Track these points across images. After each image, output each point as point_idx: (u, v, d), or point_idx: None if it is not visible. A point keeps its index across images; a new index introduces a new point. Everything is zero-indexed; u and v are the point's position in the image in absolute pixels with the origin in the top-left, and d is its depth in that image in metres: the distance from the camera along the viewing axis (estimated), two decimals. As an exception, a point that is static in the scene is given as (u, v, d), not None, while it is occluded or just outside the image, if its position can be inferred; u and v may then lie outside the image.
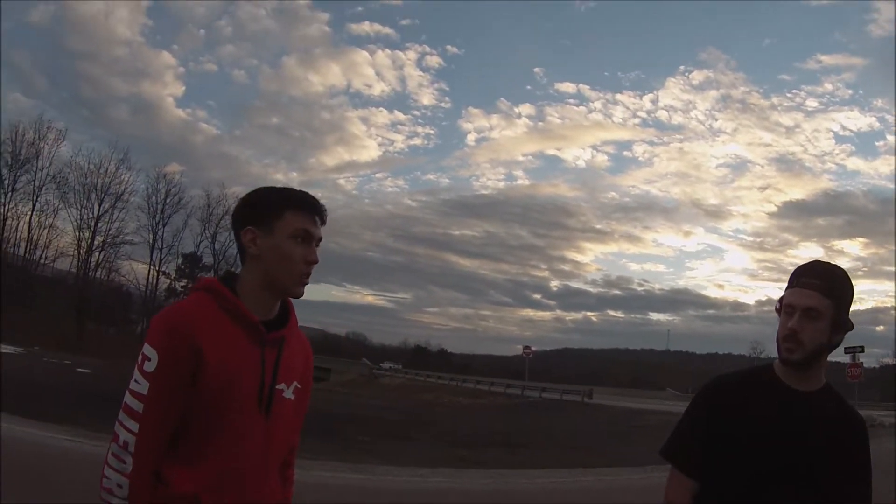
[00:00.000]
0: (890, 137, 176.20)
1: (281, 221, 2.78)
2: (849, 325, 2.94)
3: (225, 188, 77.75)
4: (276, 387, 2.76)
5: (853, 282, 3.00)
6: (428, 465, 16.13)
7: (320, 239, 2.89)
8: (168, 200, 72.89)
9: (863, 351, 46.13)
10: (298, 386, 2.91)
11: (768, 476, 2.87)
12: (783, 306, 2.97)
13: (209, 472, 2.60)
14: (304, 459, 13.72)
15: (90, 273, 71.29)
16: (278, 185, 2.91)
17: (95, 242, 70.22)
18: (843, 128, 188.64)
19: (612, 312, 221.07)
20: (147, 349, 2.58)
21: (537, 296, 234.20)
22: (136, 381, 2.57)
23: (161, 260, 72.87)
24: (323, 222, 2.90)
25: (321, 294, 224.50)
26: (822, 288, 2.88)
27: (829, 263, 3.02)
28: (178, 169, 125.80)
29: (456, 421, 32.65)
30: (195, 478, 2.58)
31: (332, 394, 53.01)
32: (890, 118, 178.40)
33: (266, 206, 2.83)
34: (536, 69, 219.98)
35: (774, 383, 2.99)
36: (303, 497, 10.22)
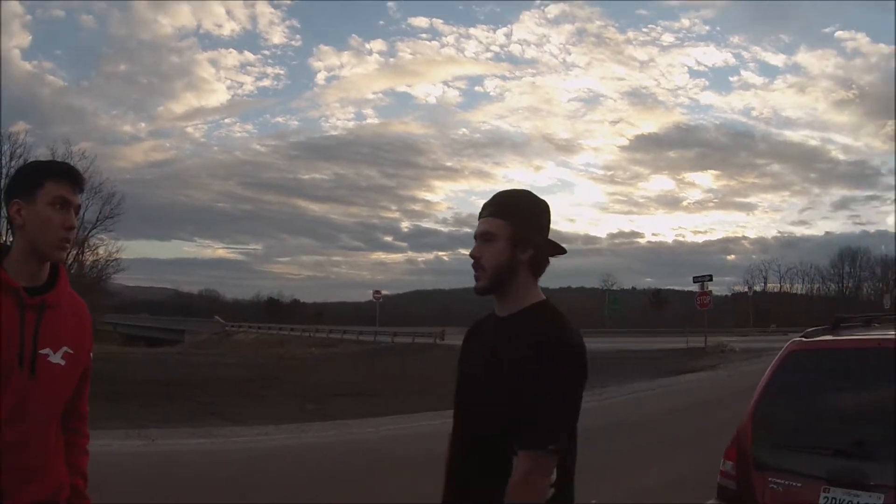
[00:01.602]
0: (745, 73, 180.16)
1: (42, 190, 2.93)
2: (536, 242, 3.03)
3: (71, 145, 74.54)
4: (41, 351, 2.89)
5: (546, 201, 3.12)
6: (274, 421, 16.26)
7: (79, 206, 3.03)
8: (13, 163, 69.63)
9: (711, 279, 47.83)
10: (69, 351, 3.00)
11: (458, 402, 3.14)
12: None
13: None
14: (151, 429, 13.87)
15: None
16: (44, 159, 3.09)
17: (-60, 218, 67.33)
18: (699, 62, 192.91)
19: (463, 251, 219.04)
20: None
21: (388, 238, 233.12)
22: None
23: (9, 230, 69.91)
24: (81, 190, 3.04)
25: (172, 251, 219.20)
26: (493, 212, 3.02)
27: (509, 189, 3.19)
28: (24, 128, 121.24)
29: (307, 373, 32.72)
30: None
31: (185, 356, 52.52)
32: (746, 55, 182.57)
33: (28, 178, 3.01)
34: (390, 3, 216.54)
35: (493, 313, 3.14)
36: (147, 468, 10.38)
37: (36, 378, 2.86)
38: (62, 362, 2.96)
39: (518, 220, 3.01)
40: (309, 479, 10.76)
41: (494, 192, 3.17)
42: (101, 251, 68.76)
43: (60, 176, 2.97)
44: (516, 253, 2.99)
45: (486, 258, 2.99)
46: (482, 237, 3.02)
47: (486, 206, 3.09)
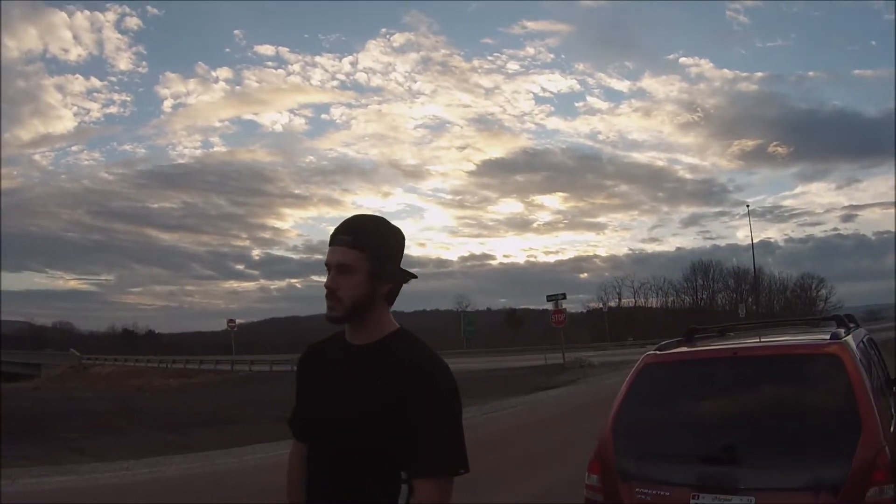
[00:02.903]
0: (591, 98, 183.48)
1: None
2: (395, 274, 2.98)
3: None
4: None
5: (400, 229, 3.05)
6: (135, 455, 15.99)
7: None
8: None
9: (565, 298, 48.61)
10: None
11: (314, 431, 3.03)
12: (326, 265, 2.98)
13: None
14: (12, 468, 13.50)
15: None
16: None
17: None
18: (544, 89, 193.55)
19: (315, 277, 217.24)
20: None
21: (240, 266, 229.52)
22: None
23: None
24: None
25: (24, 283, 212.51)
26: (351, 242, 2.90)
27: (364, 216, 3.06)
28: None
29: (165, 405, 32.16)
30: None
31: (42, 391, 51.41)
32: (591, 81, 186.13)
33: None
34: (236, 31, 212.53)
35: (341, 341, 3.05)
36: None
37: None
38: None
39: (377, 253, 2.94)
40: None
41: (346, 217, 3.07)
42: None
43: None
44: (376, 287, 2.93)
45: (344, 290, 2.91)
46: (339, 269, 2.92)
47: (340, 232, 2.98)
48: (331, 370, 3.02)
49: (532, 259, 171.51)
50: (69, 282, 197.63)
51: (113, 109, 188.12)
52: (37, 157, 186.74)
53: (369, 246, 2.91)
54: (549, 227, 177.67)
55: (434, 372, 2.86)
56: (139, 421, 24.04)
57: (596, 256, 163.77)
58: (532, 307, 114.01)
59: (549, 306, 48.89)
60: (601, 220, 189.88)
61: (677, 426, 5.60)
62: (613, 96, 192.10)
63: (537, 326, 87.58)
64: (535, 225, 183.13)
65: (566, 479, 9.26)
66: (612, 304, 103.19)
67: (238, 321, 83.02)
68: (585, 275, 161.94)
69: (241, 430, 20.37)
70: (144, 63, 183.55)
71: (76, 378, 71.72)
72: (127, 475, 13.80)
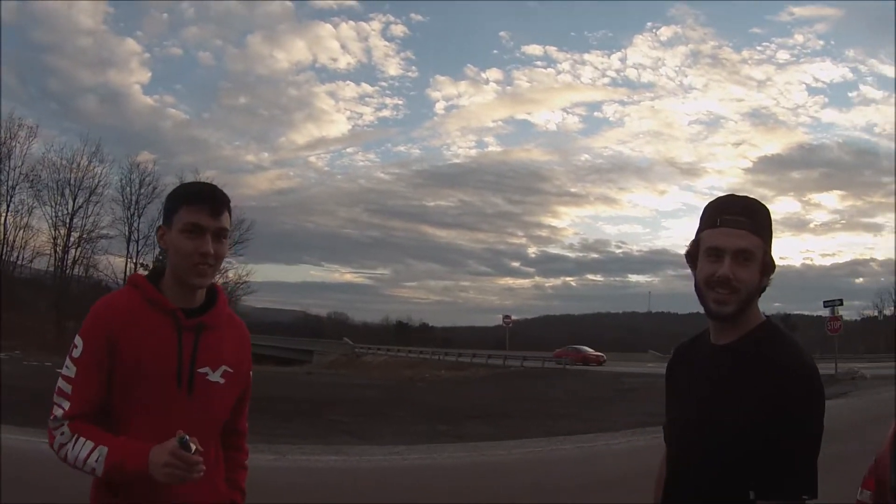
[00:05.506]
0: (864, 87, 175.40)
1: (176, 216, 2.89)
2: (774, 266, 2.65)
3: (198, 173, 76.67)
4: (199, 370, 2.89)
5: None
6: (406, 441, 16.23)
7: (221, 230, 2.92)
8: (142, 190, 71.62)
9: (842, 304, 46.66)
10: (229, 370, 3.01)
11: (676, 434, 2.82)
12: (704, 250, 2.64)
13: None
14: (284, 444, 13.97)
15: (68, 271, 70.60)
16: (196, 181, 2.95)
17: (71, 239, 69.52)
18: (816, 79, 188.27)
19: (591, 276, 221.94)
20: (77, 338, 2.83)
21: (516, 263, 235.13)
22: (66, 366, 2.82)
23: (138, 252, 71.66)
24: (220, 213, 2.92)
25: (300, 275, 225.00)
26: (751, 225, 2.56)
27: (750, 198, 2.67)
28: (151, 157, 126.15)
29: (437, 395, 32.77)
30: None
31: (314, 376, 53.29)
32: (863, 68, 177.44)
33: (168, 204, 2.97)
34: (502, 33, 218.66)
35: (705, 341, 2.77)
36: (278, 483, 10.28)
37: (194, 396, 2.88)
38: (221, 381, 2.99)
39: (770, 242, 2.65)
40: (441, 501, 10.54)
41: (727, 195, 2.69)
42: (230, 274, 70.81)
43: (193, 201, 2.92)
44: (763, 279, 2.62)
45: (742, 280, 2.55)
46: (737, 254, 2.56)
47: (733, 213, 2.60)
48: (696, 375, 2.74)
49: (808, 262, 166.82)
50: (345, 275, 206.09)
51: (386, 113, 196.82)
52: (312, 158, 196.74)
53: (766, 233, 2.62)
54: (826, 227, 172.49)
55: (806, 381, 2.50)
56: (411, 409, 24.42)
57: (872, 260, 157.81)
58: (806, 312, 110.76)
59: (824, 312, 47.17)
60: (878, 220, 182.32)
61: None
62: (887, 84, 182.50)
63: (810, 333, 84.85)
64: (811, 225, 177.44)
65: (836, 495, 8.72)
66: (888, 312, 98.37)
67: (513, 317, 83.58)
68: (861, 280, 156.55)
69: (512, 423, 20.40)
70: (414, 68, 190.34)
71: (348, 366, 74.20)
72: (398, 459, 14.00)
